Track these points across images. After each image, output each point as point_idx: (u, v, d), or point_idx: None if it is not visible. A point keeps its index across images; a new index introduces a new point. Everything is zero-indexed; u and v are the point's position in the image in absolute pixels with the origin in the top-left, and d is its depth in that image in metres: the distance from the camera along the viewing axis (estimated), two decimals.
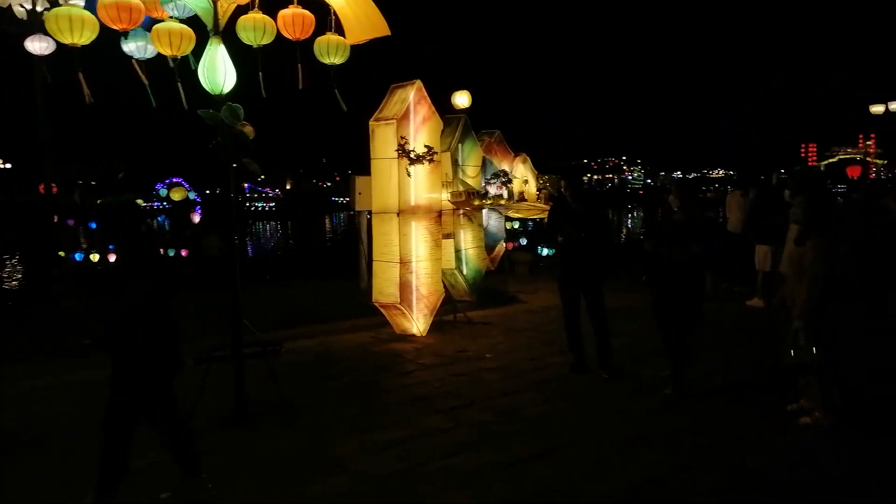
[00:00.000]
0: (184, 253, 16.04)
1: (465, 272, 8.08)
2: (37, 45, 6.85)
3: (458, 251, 7.90)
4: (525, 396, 5.38)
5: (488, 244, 8.95)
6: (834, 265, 4.27)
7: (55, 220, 17.11)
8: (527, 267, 13.08)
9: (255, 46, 4.84)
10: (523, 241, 13.74)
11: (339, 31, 5.23)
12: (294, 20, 4.89)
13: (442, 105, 8.66)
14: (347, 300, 8.91)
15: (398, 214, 6.88)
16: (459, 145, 7.98)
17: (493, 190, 8.62)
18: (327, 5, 5.11)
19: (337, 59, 5.19)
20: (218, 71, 4.55)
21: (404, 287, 7.01)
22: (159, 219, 16.28)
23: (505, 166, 10.34)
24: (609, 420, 4.88)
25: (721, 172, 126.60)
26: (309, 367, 6.32)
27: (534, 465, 4.07)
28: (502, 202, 8.58)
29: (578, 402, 5.22)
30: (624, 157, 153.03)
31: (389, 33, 5.20)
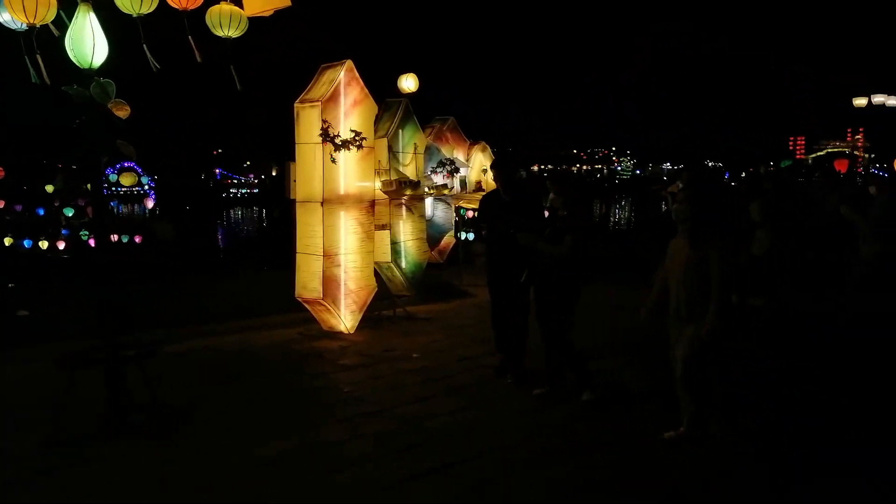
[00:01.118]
0: (137, 239, 15.50)
1: (403, 266, 7.64)
2: None
3: (394, 243, 7.46)
4: (440, 402, 4.96)
5: (433, 236, 8.51)
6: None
7: (1, 205, 16.62)
8: (485, 259, 12.65)
9: (134, 16, 4.36)
10: (462, 235, 13.29)
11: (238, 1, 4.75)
12: None
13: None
14: (285, 293, 8.46)
15: (322, 204, 6.42)
16: (400, 131, 7.51)
17: (437, 179, 8.19)
18: None
19: (233, 32, 4.72)
20: (86, 42, 4.08)
21: (329, 282, 6.57)
22: (112, 204, 15.74)
23: (459, 154, 9.89)
24: (523, 430, 4.49)
25: (711, 164, 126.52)
26: (219, 366, 5.88)
27: (421, 484, 3.67)
28: (446, 192, 8.14)
29: (495, 410, 4.82)
30: (613, 148, 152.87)
31: (290, 4, 4.72)
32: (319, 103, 6.35)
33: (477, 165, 10.83)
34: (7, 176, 17.78)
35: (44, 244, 15.20)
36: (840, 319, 6.71)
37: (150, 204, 16.06)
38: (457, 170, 8.41)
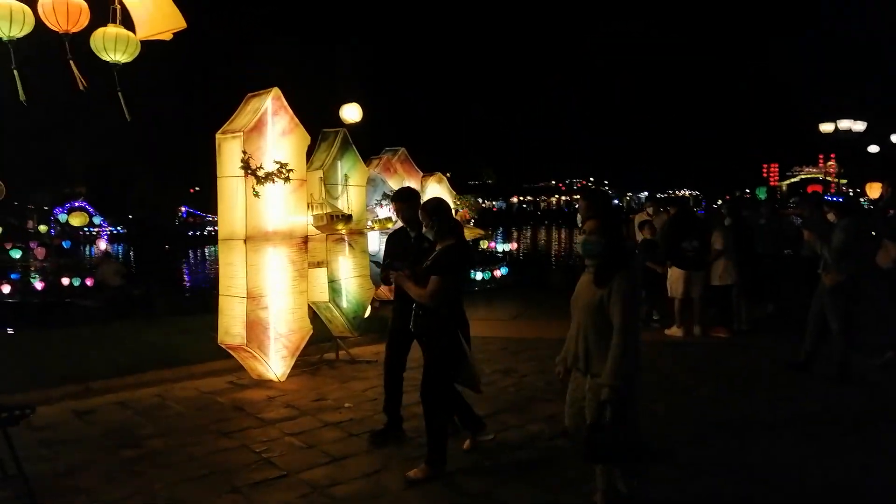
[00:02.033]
0: (89, 282, 14.82)
1: (344, 305, 7.14)
2: None
3: (333, 282, 6.96)
4: (353, 464, 4.40)
5: (377, 273, 8.03)
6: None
7: None
8: None
9: (4, 39, 3.91)
10: None
11: (129, 23, 4.33)
12: (57, 8, 3.97)
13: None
14: None
15: (245, 241, 5.93)
16: (338, 162, 7.09)
17: (381, 212, 7.76)
18: None
19: (121, 56, 4.29)
20: None
21: (254, 325, 6.04)
22: (64, 244, 15.08)
23: (412, 185, 9.51)
24: (427, 496, 3.95)
25: (687, 192, 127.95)
26: (122, 427, 5.27)
27: None
28: (390, 225, 7.70)
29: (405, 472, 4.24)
30: (591, 179, 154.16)
31: (185, 26, 4.30)
32: (241, 134, 5.91)
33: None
34: None
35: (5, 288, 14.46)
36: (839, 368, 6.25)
37: (102, 245, 15.45)
38: None
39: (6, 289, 14.52)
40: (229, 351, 6.31)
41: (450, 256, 4.03)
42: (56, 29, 4.03)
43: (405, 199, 4.74)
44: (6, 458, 3.92)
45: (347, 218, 6.48)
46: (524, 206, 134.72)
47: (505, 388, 6.24)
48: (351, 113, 8.11)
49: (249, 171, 5.79)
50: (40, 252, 14.76)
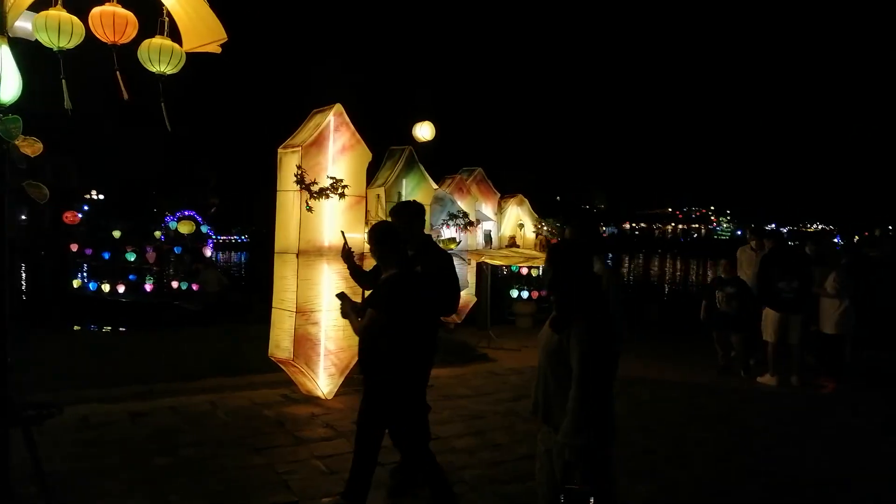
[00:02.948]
0: (195, 287, 15.69)
1: None
2: None
3: None
4: (372, 499, 4.16)
5: None
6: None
7: (74, 249, 17.45)
8: (530, 319, 11.75)
9: (55, 50, 4.07)
10: (524, 293, 12.42)
11: (175, 35, 4.40)
12: (104, 20, 4.09)
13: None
14: None
15: (298, 255, 5.90)
16: (403, 180, 6.97)
17: (446, 233, 7.54)
18: (160, 4, 4.31)
19: (167, 68, 4.34)
20: None
21: (302, 341, 5.98)
22: (175, 249, 16.12)
23: (488, 207, 9.27)
24: None
25: (819, 226, 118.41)
26: (165, 433, 5.34)
27: None
28: (453, 246, 7.45)
29: None
30: (712, 207, 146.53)
31: (227, 38, 4.32)
32: (300, 148, 5.92)
33: (513, 219, 10.17)
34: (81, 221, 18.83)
35: (105, 287, 15.69)
36: None
37: (207, 252, 16.37)
38: (470, 223, 7.73)
39: (121, 288, 15.67)
40: (279, 364, 6.29)
41: (390, 288, 3.66)
42: (105, 40, 4.15)
43: (393, 215, 4.39)
44: (39, 456, 4.01)
45: None
46: (636, 232, 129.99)
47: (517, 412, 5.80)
48: (423, 131, 8.00)
49: (303, 186, 5.76)
50: (151, 256, 15.87)
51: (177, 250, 16.91)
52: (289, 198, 6.02)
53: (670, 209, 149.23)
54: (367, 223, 6.49)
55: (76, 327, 14.25)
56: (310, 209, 5.84)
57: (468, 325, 10.38)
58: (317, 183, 5.83)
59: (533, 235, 10.26)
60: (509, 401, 6.54)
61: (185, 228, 15.96)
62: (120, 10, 4.13)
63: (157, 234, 17.45)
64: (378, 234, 3.78)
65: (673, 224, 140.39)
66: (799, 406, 6.68)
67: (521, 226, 10.20)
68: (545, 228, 10.09)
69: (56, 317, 14.43)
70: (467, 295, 8.62)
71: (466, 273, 8.20)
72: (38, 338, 8.87)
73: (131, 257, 15.86)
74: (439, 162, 9.75)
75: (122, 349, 8.46)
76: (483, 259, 8.70)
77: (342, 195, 5.98)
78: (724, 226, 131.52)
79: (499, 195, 9.41)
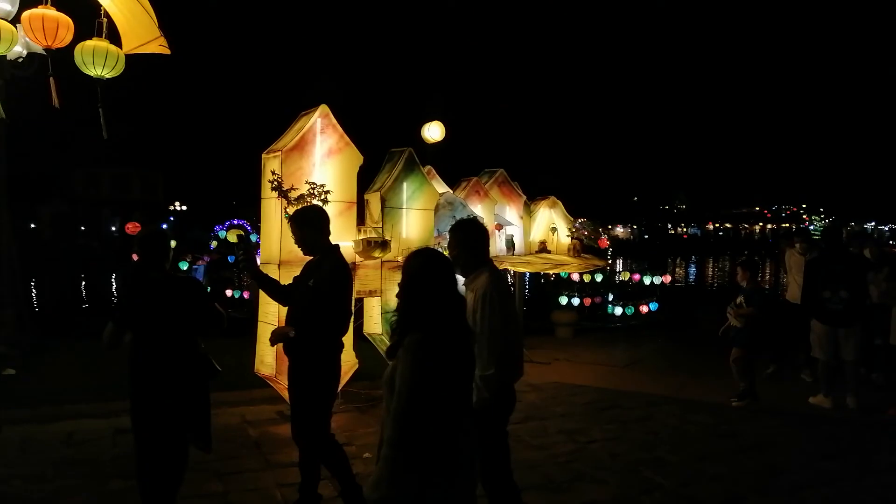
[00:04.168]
0: (246, 295, 15.81)
1: None
2: None
3: (388, 313, 6.39)
4: None
5: None
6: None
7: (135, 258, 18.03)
8: (570, 330, 11.06)
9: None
10: (563, 300, 11.70)
11: (115, 38, 4.17)
12: (34, 24, 3.91)
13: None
14: None
15: (279, 266, 5.59)
16: (403, 183, 6.55)
17: None
18: (97, 4, 4.09)
19: (105, 72, 4.12)
20: None
21: (285, 356, 5.64)
22: (229, 258, 16.37)
23: (513, 211, 8.72)
24: None
25: None
26: (132, 454, 5.13)
27: None
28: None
29: None
30: (804, 205, 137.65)
31: (161, 35, 4.04)
32: (280, 153, 5.61)
33: (544, 223, 9.54)
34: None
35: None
36: None
37: (258, 261, 16.53)
38: None
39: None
40: (266, 381, 6.00)
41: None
42: (39, 45, 3.96)
43: (293, 221, 3.99)
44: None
45: (383, 244, 5.88)
46: (720, 233, 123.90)
47: (557, 455, 5.17)
48: (433, 132, 7.55)
49: (280, 193, 5.44)
50: (202, 264, 16.16)
51: (230, 259, 17.11)
52: (270, 206, 5.73)
53: (757, 208, 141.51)
54: (362, 230, 6.11)
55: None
56: (289, 217, 5.51)
57: None
58: (296, 189, 5.50)
59: (567, 239, 9.58)
60: (516, 422, 5.91)
61: (233, 237, 16.07)
62: (51, 12, 3.93)
63: (215, 242, 17.76)
64: (299, 219, 3.86)
65: (761, 223, 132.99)
66: (853, 435, 5.76)
67: (554, 229, 9.53)
68: (584, 231, 9.37)
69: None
70: None
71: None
72: (67, 346, 8.98)
73: (184, 266, 16.22)
74: (467, 163, 9.26)
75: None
76: (504, 265, 8.13)
77: (325, 201, 5.61)
78: (818, 224, 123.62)
79: (524, 198, 8.80)
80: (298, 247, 3.89)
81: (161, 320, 3.39)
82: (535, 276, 16.15)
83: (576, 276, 12.73)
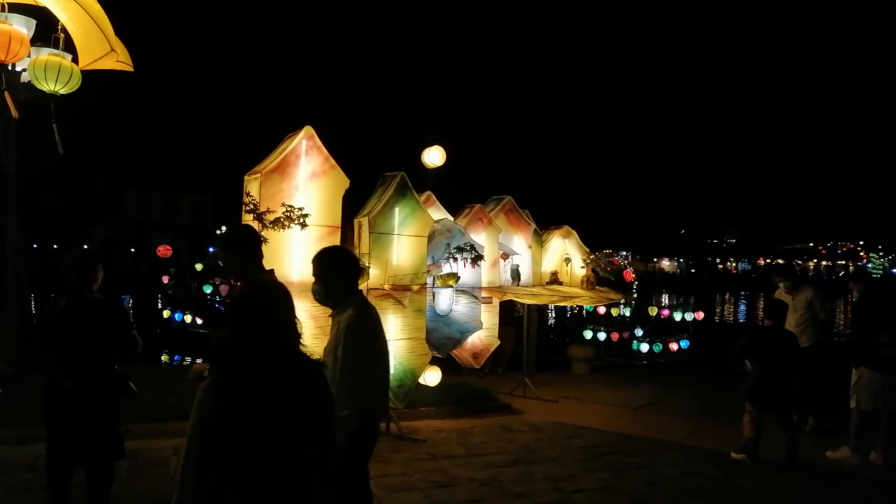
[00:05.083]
0: None
1: (391, 371, 6.21)
2: None
3: None
4: None
5: (451, 336, 6.98)
6: None
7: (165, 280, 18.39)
8: (587, 366, 10.54)
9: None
10: (587, 334, 11.22)
11: (73, 52, 4.09)
12: None
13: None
14: None
15: None
16: (396, 208, 6.32)
17: (448, 268, 6.75)
18: (52, 17, 4.02)
19: (60, 87, 4.02)
20: None
21: None
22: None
23: (521, 239, 8.39)
24: None
25: None
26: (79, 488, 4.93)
27: None
28: (452, 283, 6.64)
29: None
30: (861, 243, 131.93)
31: (114, 50, 3.93)
32: (260, 174, 5.45)
33: (557, 254, 9.17)
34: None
35: (188, 318, 16.20)
36: None
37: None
38: (480, 257, 6.88)
39: (199, 320, 16.11)
40: None
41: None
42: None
43: (219, 244, 3.87)
44: None
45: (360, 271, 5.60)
46: (771, 269, 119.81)
47: (500, 482, 4.75)
48: (433, 157, 7.31)
49: (255, 216, 5.27)
50: (224, 289, 16.26)
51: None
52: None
53: (811, 244, 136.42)
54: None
55: (164, 357, 14.77)
56: (264, 240, 5.31)
57: (513, 370, 9.45)
58: (272, 212, 5.31)
59: (582, 271, 9.16)
60: (501, 465, 5.57)
61: (199, 266, 16.30)
62: (4, 27, 3.85)
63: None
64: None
65: (815, 260, 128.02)
66: (873, 495, 5.15)
67: (568, 260, 9.14)
68: (597, 265, 8.92)
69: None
70: (492, 338, 7.71)
71: (479, 312, 7.29)
72: None
73: (208, 289, 16.36)
74: (477, 190, 8.98)
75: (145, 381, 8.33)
76: (507, 296, 7.78)
77: (303, 224, 5.42)
78: (876, 262, 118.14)
79: (534, 226, 8.46)
80: (228, 274, 3.65)
81: (78, 342, 3.25)
82: (560, 310, 15.67)
83: (602, 310, 12.26)
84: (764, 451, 5.86)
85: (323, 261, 3.22)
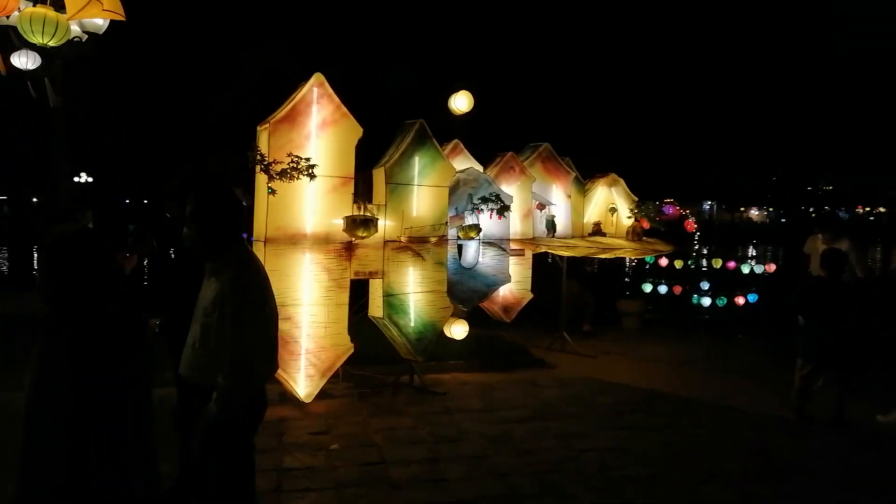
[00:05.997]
0: None
1: (411, 323, 6.15)
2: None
3: (390, 296, 6.02)
4: None
5: (477, 289, 6.80)
6: None
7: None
8: (637, 320, 10.15)
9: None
10: (647, 287, 10.74)
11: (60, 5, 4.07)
12: None
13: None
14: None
15: (265, 243, 5.38)
16: (415, 157, 6.12)
17: (471, 219, 6.53)
18: None
19: (49, 40, 4.03)
20: None
21: None
22: None
23: (559, 189, 8.02)
24: None
25: None
26: None
27: None
28: (473, 234, 6.42)
29: None
30: None
31: (124, 17, 3.88)
32: (269, 125, 5.38)
33: (602, 202, 8.76)
34: None
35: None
36: None
37: None
38: (506, 208, 6.61)
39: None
40: None
41: None
42: None
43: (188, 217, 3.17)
44: None
45: (366, 223, 5.46)
46: (871, 217, 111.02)
47: (540, 463, 4.58)
48: (460, 102, 6.99)
49: (262, 167, 5.21)
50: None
51: None
52: (258, 180, 5.51)
53: None
54: (366, 207, 5.73)
55: None
56: (272, 192, 5.28)
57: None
58: (278, 163, 5.24)
59: (629, 221, 8.70)
60: (515, 421, 5.43)
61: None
62: None
63: None
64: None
65: None
66: None
67: (613, 210, 8.69)
68: (643, 213, 8.42)
69: None
70: (524, 291, 7.47)
71: (506, 265, 7.03)
72: None
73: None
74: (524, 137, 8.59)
75: None
76: (540, 248, 7.47)
77: (311, 175, 5.32)
78: None
79: (573, 174, 8.02)
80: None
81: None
82: (613, 262, 15.14)
83: (664, 262, 11.71)
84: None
85: (201, 198, 2.72)
